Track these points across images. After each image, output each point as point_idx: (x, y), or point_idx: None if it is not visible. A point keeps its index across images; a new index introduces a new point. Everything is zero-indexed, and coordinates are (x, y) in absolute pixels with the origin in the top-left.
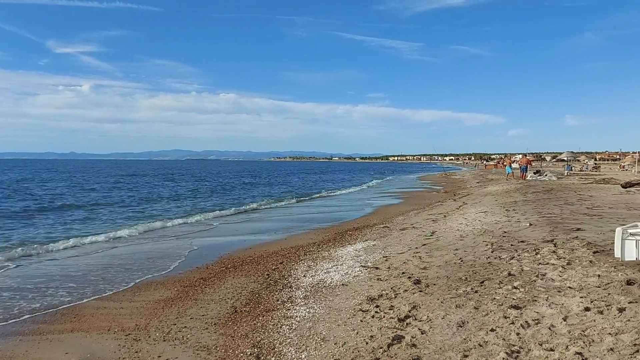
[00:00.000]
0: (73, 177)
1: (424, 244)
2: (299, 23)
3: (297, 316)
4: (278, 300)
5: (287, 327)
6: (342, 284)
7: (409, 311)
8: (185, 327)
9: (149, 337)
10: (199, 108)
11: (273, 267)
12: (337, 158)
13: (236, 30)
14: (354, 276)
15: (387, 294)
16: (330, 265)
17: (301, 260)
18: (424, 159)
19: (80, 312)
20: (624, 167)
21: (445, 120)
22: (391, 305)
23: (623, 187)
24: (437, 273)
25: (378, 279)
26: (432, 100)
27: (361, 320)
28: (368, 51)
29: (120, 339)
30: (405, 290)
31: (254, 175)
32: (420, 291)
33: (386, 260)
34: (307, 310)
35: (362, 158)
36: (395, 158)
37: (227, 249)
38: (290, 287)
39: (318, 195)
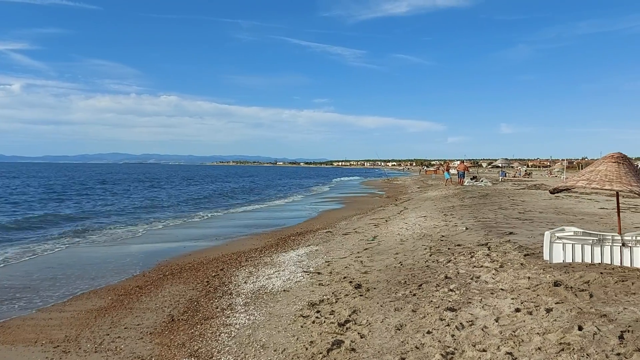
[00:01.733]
0: None
1: (366, 249)
2: (245, 27)
3: (236, 323)
4: (217, 308)
5: (226, 334)
6: (284, 290)
7: (349, 315)
8: (119, 337)
9: (80, 348)
10: (139, 110)
11: (213, 274)
12: (281, 163)
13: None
14: (296, 282)
15: (328, 299)
16: (272, 271)
17: (242, 266)
18: (368, 164)
19: (5, 324)
20: (553, 173)
21: (388, 126)
22: (332, 310)
23: (551, 192)
24: (378, 277)
25: (320, 284)
26: (375, 106)
27: (302, 326)
28: (313, 57)
29: (48, 352)
30: (347, 295)
31: (194, 179)
32: (360, 295)
33: (328, 265)
34: (247, 317)
35: (307, 163)
36: (340, 163)
37: (166, 256)
38: (230, 294)
39: (261, 200)
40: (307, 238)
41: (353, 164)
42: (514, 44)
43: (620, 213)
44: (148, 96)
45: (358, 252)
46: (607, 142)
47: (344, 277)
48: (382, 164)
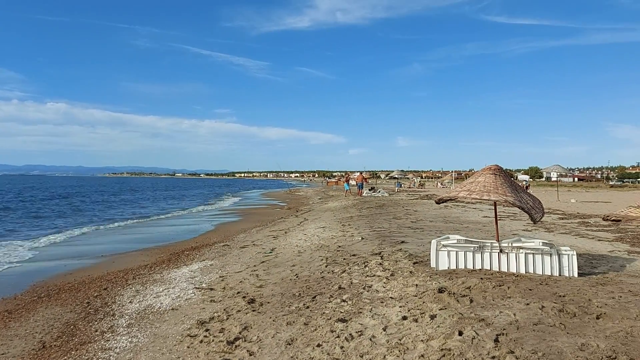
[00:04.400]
0: None
1: (263, 262)
2: (142, 33)
3: (116, 347)
4: (97, 331)
5: None
6: (172, 309)
7: (240, 332)
8: None
9: None
10: (22, 118)
11: (95, 294)
12: (180, 174)
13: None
14: (186, 299)
15: (219, 316)
16: (161, 289)
17: (129, 284)
18: (271, 175)
19: None
20: (443, 184)
21: (292, 138)
22: (222, 328)
23: (437, 202)
24: (273, 291)
25: (212, 301)
26: (279, 118)
27: (188, 347)
28: (215, 66)
29: None
30: (239, 311)
31: (83, 192)
32: (253, 310)
33: (222, 280)
34: (130, 339)
35: (208, 174)
36: (242, 174)
37: (42, 276)
38: (112, 315)
39: (154, 213)
40: (202, 252)
41: (256, 176)
42: (409, 62)
43: (499, 221)
44: (33, 103)
45: (254, 266)
46: (491, 155)
47: (238, 292)
48: (285, 175)
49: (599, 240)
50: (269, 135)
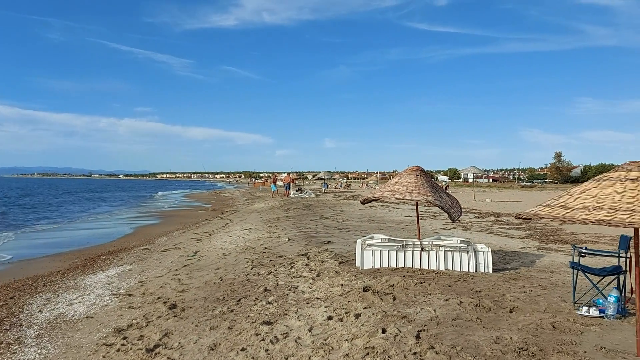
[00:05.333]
0: None
1: (185, 265)
2: (57, 26)
3: (24, 359)
4: (2, 343)
5: None
6: (87, 317)
7: (160, 339)
8: None
9: None
10: None
11: (0, 304)
12: (97, 175)
13: None
14: (102, 306)
15: (138, 322)
16: (74, 296)
17: (39, 292)
18: (195, 176)
19: None
20: (368, 185)
21: (217, 138)
22: (141, 335)
23: (362, 203)
24: (196, 295)
25: (130, 307)
26: (203, 118)
27: (104, 356)
28: (136, 63)
29: None
30: (159, 317)
31: None
32: (175, 316)
33: (142, 285)
34: (39, 351)
35: (127, 175)
36: (165, 176)
37: None
38: (20, 326)
39: (66, 215)
40: (120, 257)
41: (179, 177)
42: (335, 64)
43: (421, 220)
44: None
45: (176, 270)
46: (413, 157)
47: (158, 298)
48: (211, 176)
49: (512, 237)
50: (193, 135)
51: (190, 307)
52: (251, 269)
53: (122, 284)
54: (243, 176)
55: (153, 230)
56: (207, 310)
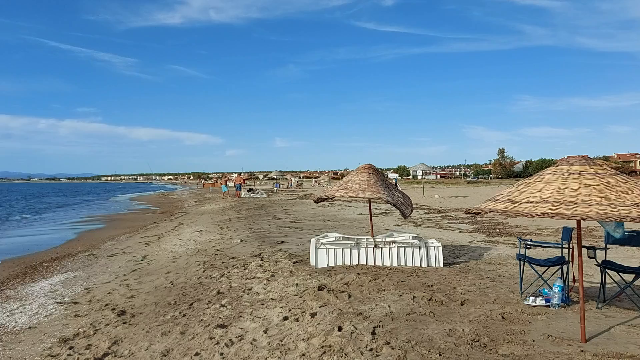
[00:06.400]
0: None
1: (134, 270)
2: None
3: None
4: None
5: None
6: (30, 327)
7: (109, 347)
8: None
9: None
10: None
11: None
12: (37, 179)
13: None
14: (46, 315)
15: (84, 331)
16: (15, 306)
17: None
18: (141, 178)
19: None
20: (320, 183)
21: (164, 139)
22: (88, 344)
23: (315, 202)
24: (146, 300)
25: (76, 316)
26: (149, 118)
27: None
28: (77, 62)
29: None
30: (107, 324)
31: None
32: (124, 323)
33: (88, 292)
34: None
35: (70, 178)
36: (109, 178)
37: None
38: None
39: (2, 222)
40: (64, 263)
41: (124, 179)
42: (284, 63)
43: (373, 217)
44: None
45: (125, 275)
46: (364, 155)
47: (106, 305)
48: (158, 178)
49: (460, 232)
50: (138, 136)
51: (141, 313)
52: (203, 271)
53: (67, 291)
54: (192, 177)
55: (98, 234)
56: (158, 315)
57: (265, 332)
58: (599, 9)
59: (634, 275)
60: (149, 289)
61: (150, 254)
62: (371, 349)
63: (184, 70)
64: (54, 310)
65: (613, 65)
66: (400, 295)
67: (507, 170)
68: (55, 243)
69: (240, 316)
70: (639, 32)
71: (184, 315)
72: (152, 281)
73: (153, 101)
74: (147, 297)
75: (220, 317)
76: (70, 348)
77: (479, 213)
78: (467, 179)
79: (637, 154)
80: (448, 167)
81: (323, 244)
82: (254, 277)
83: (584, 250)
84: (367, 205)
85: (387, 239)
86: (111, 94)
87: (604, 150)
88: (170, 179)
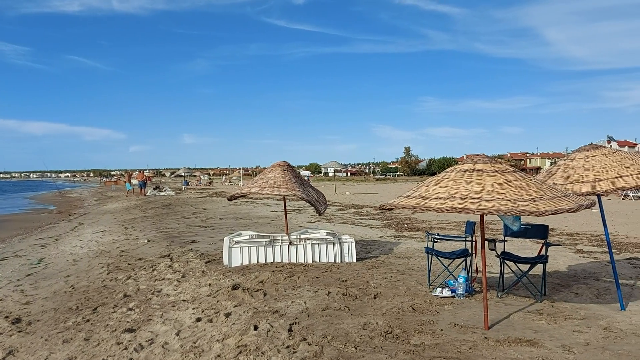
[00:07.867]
0: None
1: (29, 274)
2: None
3: None
4: None
5: None
6: None
7: (3, 359)
8: None
9: None
10: None
11: None
12: None
13: None
14: None
15: None
16: None
17: None
18: (35, 176)
19: None
20: (231, 181)
21: (61, 134)
22: None
23: (229, 199)
24: (43, 306)
25: None
26: (44, 111)
27: None
28: None
29: None
30: (0, 334)
31: None
32: (20, 331)
33: None
34: None
35: None
36: None
37: None
38: None
39: None
40: None
41: (15, 176)
42: (193, 57)
43: (287, 215)
44: None
45: (18, 280)
46: (276, 152)
47: None
48: (54, 175)
49: (371, 227)
50: (31, 130)
51: (38, 320)
52: (107, 274)
53: None
54: (92, 174)
55: None
56: (58, 322)
57: (178, 335)
58: (494, 17)
59: (529, 265)
60: (47, 294)
61: (48, 257)
62: (288, 346)
63: (84, 61)
64: None
65: (506, 70)
66: (316, 292)
67: (413, 168)
68: None
69: (150, 319)
70: (529, 40)
71: (88, 320)
72: (51, 286)
73: (48, 93)
74: (45, 303)
75: (128, 321)
76: None
77: (392, 208)
78: (376, 177)
79: (527, 153)
80: (358, 164)
81: (237, 242)
82: (163, 279)
83: (486, 243)
84: (280, 202)
85: (302, 236)
86: (0, 85)
87: (499, 150)
88: (68, 176)
